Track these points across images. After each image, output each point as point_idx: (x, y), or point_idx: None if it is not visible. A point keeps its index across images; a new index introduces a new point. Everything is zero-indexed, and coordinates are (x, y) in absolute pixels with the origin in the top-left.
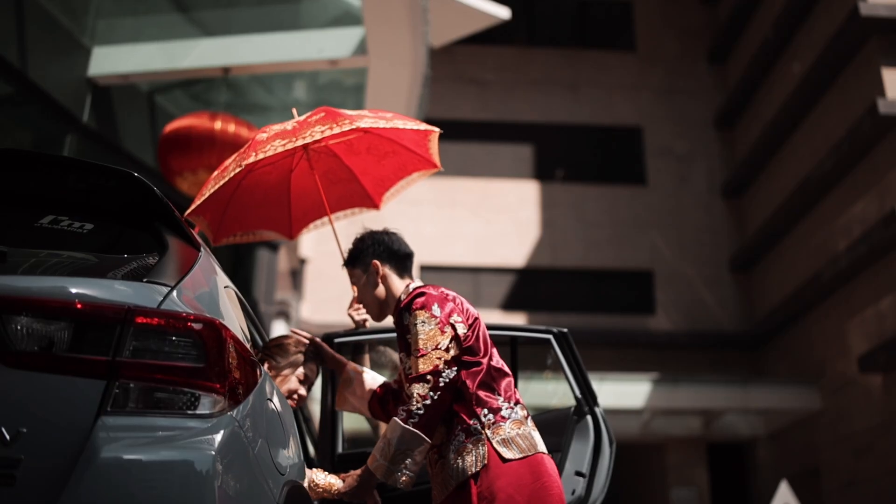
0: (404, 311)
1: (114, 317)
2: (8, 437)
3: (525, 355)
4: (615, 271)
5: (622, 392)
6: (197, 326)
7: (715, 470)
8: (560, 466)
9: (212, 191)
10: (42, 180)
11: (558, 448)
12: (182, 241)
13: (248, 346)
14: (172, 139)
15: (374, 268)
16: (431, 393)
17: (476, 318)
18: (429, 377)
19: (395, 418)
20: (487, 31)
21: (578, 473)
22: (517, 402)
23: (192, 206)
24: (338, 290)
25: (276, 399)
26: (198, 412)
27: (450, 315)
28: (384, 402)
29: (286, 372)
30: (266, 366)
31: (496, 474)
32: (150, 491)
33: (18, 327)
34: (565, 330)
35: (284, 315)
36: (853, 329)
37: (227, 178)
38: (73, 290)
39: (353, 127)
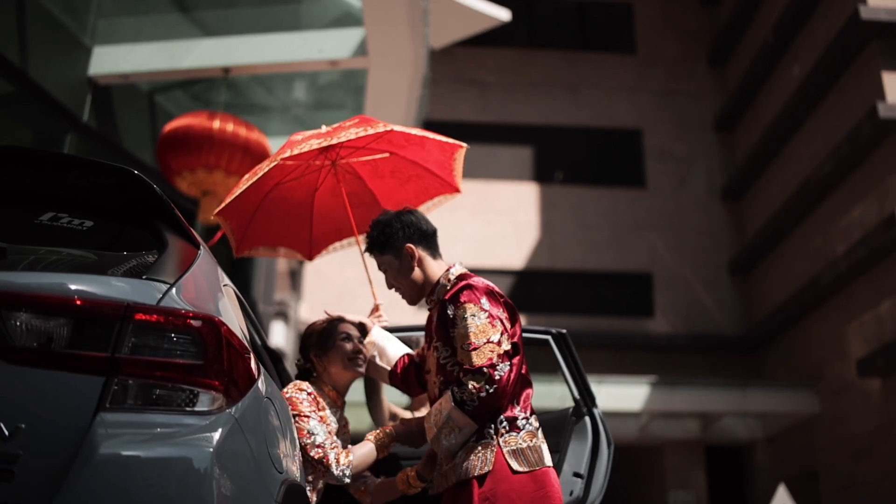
0: (449, 302)
1: (113, 313)
2: (7, 432)
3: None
4: (614, 274)
5: (620, 394)
6: (196, 324)
7: (713, 473)
8: (558, 467)
9: (243, 188)
10: (42, 177)
11: (557, 449)
12: (182, 239)
13: (246, 344)
14: (171, 138)
15: (408, 252)
16: (487, 386)
17: (517, 314)
18: (485, 370)
19: (451, 397)
20: (488, 32)
21: (576, 475)
22: (532, 413)
23: (222, 206)
24: (336, 291)
25: (274, 397)
26: (196, 409)
27: (498, 308)
28: (405, 375)
29: (329, 344)
30: (312, 354)
31: (501, 478)
32: (148, 488)
33: (18, 323)
34: (564, 331)
35: (283, 315)
36: (852, 332)
37: (259, 175)
38: (73, 287)
39: (387, 129)
